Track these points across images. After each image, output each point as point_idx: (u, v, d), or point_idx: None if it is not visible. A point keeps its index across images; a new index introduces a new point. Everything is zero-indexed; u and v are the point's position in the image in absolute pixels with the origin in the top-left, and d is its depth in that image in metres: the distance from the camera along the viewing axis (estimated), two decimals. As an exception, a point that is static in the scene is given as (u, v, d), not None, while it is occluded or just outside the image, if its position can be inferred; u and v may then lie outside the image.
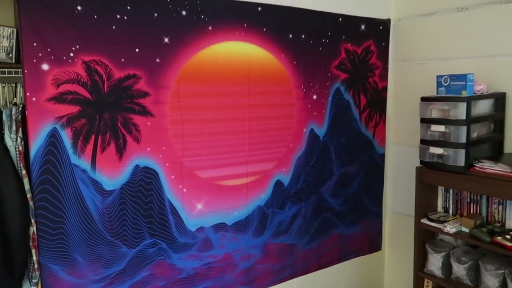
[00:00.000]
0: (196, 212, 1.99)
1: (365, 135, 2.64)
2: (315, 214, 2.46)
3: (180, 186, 1.94)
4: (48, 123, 1.60)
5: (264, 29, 2.11)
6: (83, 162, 1.69)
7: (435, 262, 2.15)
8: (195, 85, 1.94)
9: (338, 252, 2.61)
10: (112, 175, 1.76)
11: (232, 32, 2.02)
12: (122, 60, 1.73)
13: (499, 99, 2.07)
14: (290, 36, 2.22)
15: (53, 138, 1.62)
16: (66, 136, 1.64)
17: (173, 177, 1.91)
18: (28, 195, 1.67)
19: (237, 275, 2.17)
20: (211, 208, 2.04)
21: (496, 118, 2.09)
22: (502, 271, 1.90)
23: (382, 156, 2.75)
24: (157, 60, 1.82)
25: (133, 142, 1.79)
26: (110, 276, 1.79)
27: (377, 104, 2.68)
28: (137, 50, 1.76)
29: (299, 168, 2.34)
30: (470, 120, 1.93)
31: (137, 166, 1.81)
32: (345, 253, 2.66)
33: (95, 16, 1.66)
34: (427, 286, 2.27)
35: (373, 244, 2.81)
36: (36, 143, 1.59)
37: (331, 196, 2.52)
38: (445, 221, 2.08)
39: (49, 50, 1.57)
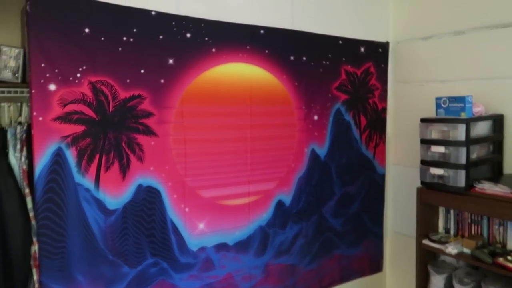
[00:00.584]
0: (198, 231, 1.99)
1: (365, 155, 2.66)
2: (317, 234, 2.45)
3: (182, 206, 1.94)
4: (53, 142, 1.62)
5: (266, 51, 2.16)
6: (87, 181, 1.70)
7: (437, 284, 2.14)
8: (199, 105, 1.97)
9: (339, 273, 2.60)
10: (115, 194, 1.76)
11: (235, 54, 2.06)
12: (128, 80, 1.76)
13: (497, 120, 2.10)
14: (292, 58, 2.26)
15: (58, 157, 1.63)
16: (70, 155, 1.66)
17: (175, 196, 1.92)
18: (31, 214, 1.68)
19: (238, 296, 2.15)
20: (213, 227, 2.04)
21: (495, 139, 2.11)
22: (505, 292, 1.89)
23: (383, 176, 2.76)
24: (162, 81, 1.85)
25: (137, 162, 1.81)
26: (111, 297, 1.78)
27: (377, 124, 2.71)
28: (142, 71, 1.80)
29: (301, 188, 2.35)
30: (470, 141, 1.95)
31: (140, 185, 1.82)
32: (346, 274, 2.64)
33: (102, 38, 1.70)
34: (430, 308, 2.25)
35: (374, 264, 2.80)
36: (41, 162, 1.60)
37: (332, 216, 2.52)
38: (447, 242, 2.08)
39: (56, 71, 1.60)
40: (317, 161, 2.42)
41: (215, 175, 2.04)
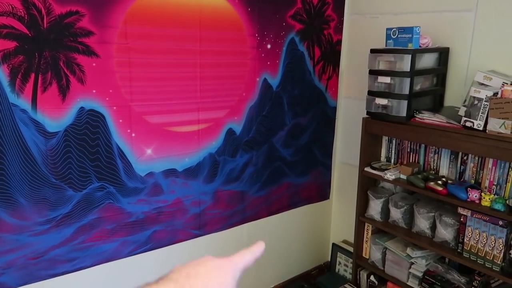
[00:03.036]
0: (145, 157, 1.99)
1: (318, 88, 2.69)
2: (266, 163, 2.52)
3: (129, 131, 1.91)
4: (-19, 58, 1.51)
5: (218, -28, 2.05)
6: (23, 102, 1.62)
7: (375, 207, 2.30)
8: (144, 27, 1.87)
9: (287, 200, 2.72)
10: (55, 117, 1.70)
11: (183, -28, 1.94)
12: (63, -6, 1.63)
13: (443, 53, 2.15)
14: (245, -19, 2.16)
15: (-12, 75, 1.53)
16: (2, 73, 1.55)
17: (121, 121, 1.88)
18: (-36, 136, 1.59)
19: (187, 220, 2.22)
20: (161, 153, 2.04)
21: (439, 72, 2.18)
22: (433, 214, 2.06)
23: (334, 108, 2.82)
24: (102, -3, 1.73)
25: (77, 83, 1.73)
26: (56, 219, 1.78)
27: (331, 57, 2.71)
28: (79, -16, 1.66)
29: (251, 117, 2.37)
30: (414, 73, 2.00)
31: (82, 108, 1.76)
32: (294, 201, 2.77)
33: None
34: (367, 229, 2.43)
35: (321, 193, 2.94)
36: (-31, 79, 1.50)
37: (283, 146, 2.58)
38: (386, 169, 2.20)
39: (-22, -23, 1.45)
40: (269, 91, 2.42)
41: (162, 101, 2.00)
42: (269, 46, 2.35)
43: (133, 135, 1.93)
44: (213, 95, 2.18)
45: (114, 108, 1.85)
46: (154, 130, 2.00)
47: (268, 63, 2.37)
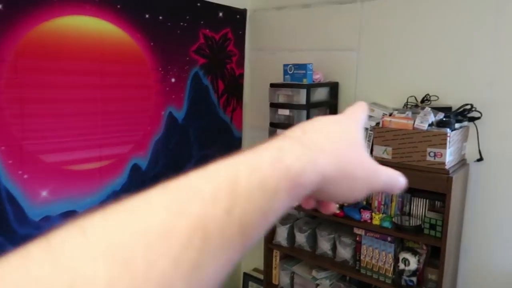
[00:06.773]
0: (40, 200, 1.83)
1: (223, 120, 2.76)
2: (175, 197, 2.48)
3: (20, 172, 1.75)
4: None
5: (118, 6, 2.03)
6: None
7: (281, 234, 2.39)
8: (38, 60, 1.77)
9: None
10: None
11: (81, 6, 1.88)
12: None
13: (333, 87, 2.39)
14: (147, 16, 2.17)
15: None
16: None
17: (10, 162, 1.72)
18: None
19: (90, 264, 2.07)
20: (59, 195, 1.89)
21: (331, 104, 2.40)
22: (333, 235, 2.22)
23: (239, 139, 2.92)
24: (-13, 29, 1.60)
25: (-44, 122, 1.55)
26: None
27: (234, 90, 2.82)
28: (-42, 15, 1.52)
29: (157, 151, 2.33)
30: (310, 105, 2.18)
31: (-38, 150, 1.58)
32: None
33: None
34: (276, 255, 2.52)
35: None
36: None
37: (191, 178, 2.58)
38: (290, 196, 2.33)
39: None
40: (174, 124, 2.42)
41: (60, 138, 1.88)
42: (173, 80, 2.37)
43: (26, 176, 1.77)
44: (116, 130, 2.11)
45: (2, 148, 1.68)
46: (51, 169, 1.86)
47: (173, 96, 2.38)
